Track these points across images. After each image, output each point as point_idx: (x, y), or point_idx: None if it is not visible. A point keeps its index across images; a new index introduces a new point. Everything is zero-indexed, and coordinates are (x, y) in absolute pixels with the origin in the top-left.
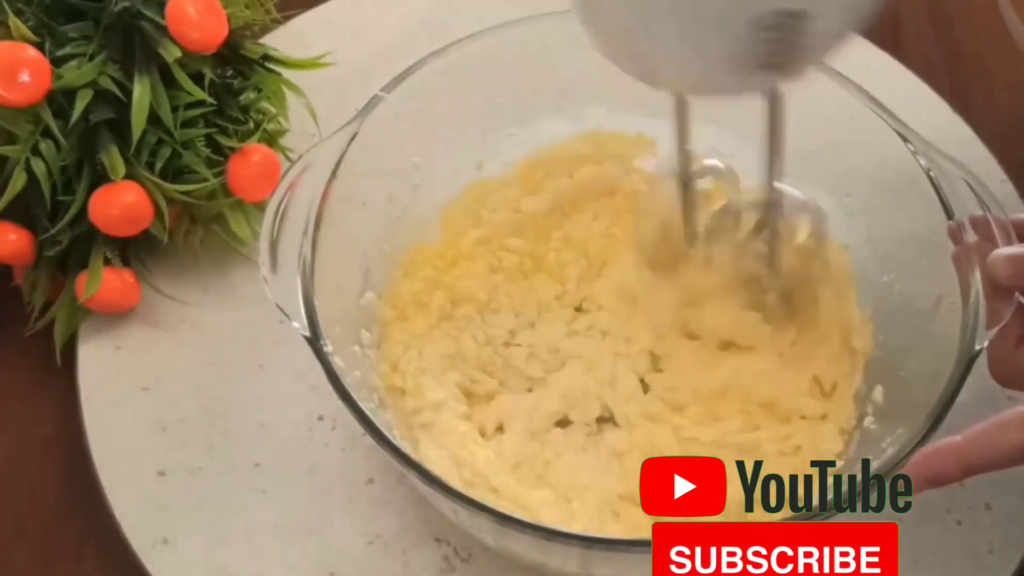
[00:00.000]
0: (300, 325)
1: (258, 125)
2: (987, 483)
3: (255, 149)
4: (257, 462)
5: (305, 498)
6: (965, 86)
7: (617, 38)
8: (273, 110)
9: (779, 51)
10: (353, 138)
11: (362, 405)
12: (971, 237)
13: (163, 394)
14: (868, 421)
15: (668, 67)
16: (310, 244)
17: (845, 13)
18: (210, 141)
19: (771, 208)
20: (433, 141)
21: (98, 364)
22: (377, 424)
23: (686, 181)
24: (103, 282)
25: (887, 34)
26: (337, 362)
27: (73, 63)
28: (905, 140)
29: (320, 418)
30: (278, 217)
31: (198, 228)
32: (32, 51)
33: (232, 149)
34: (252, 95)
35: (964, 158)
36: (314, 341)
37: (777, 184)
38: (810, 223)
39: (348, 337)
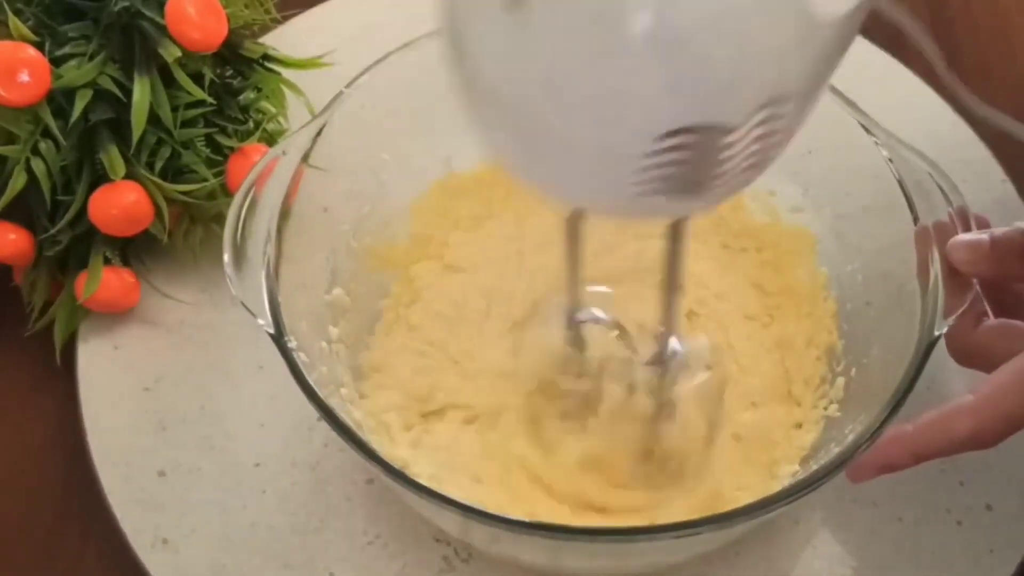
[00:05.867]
0: (265, 322)
1: (258, 125)
2: (987, 483)
3: (255, 149)
4: (257, 462)
5: (305, 498)
6: (965, 86)
7: (504, 148)
8: (273, 110)
9: (692, 175)
10: (318, 134)
11: (327, 400)
12: (931, 219)
13: (163, 394)
14: (832, 408)
15: (557, 187)
16: (275, 241)
17: (765, 130)
18: (210, 141)
19: (666, 363)
20: (401, 136)
21: (98, 364)
22: (343, 419)
23: (573, 320)
24: (103, 282)
25: (887, 34)
26: (302, 358)
27: (73, 63)
28: (868, 131)
29: (320, 418)
30: (242, 215)
31: (198, 228)
32: (32, 51)
33: (232, 149)
34: (252, 95)
35: (964, 158)
36: (278, 338)
37: (673, 337)
38: (709, 380)
39: (315, 333)
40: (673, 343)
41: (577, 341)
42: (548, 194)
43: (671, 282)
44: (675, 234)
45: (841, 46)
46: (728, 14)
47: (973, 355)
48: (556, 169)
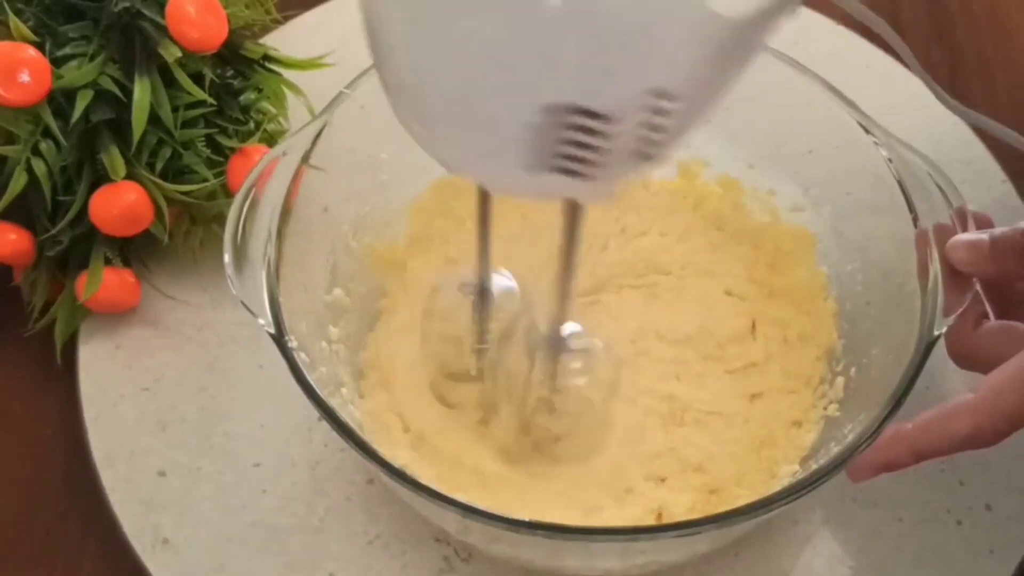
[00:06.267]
0: (265, 322)
1: (258, 125)
2: (987, 483)
3: (255, 149)
4: (257, 462)
5: (305, 498)
6: (965, 86)
7: (407, 116)
8: (273, 110)
9: (576, 155)
10: (318, 134)
11: (327, 400)
12: (931, 219)
13: (163, 394)
14: (832, 408)
15: (454, 156)
16: (275, 241)
17: (648, 126)
18: (210, 141)
19: (553, 344)
20: (401, 136)
21: (98, 364)
22: (343, 419)
23: (483, 291)
24: (103, 282)
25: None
26: (302, 358)
27: (73, 63)
28: (868, 131)
29: (320, 418)
30: (243, 215)
31: (198, 228)
32: (32, 51)
33: (232, 149)
34: (252, 95)
35: (964, 158)
36: (278, 338)
37: (566, 323)
38: (594, 368)
39: (315, 333)
40: (568, 329)
41: (483, 313)
42: (449, 167)
43: (565, 267)
44: (571, 219)
45: (737, 55)
46: None
47: (973, 357)
48: (451, 141)
